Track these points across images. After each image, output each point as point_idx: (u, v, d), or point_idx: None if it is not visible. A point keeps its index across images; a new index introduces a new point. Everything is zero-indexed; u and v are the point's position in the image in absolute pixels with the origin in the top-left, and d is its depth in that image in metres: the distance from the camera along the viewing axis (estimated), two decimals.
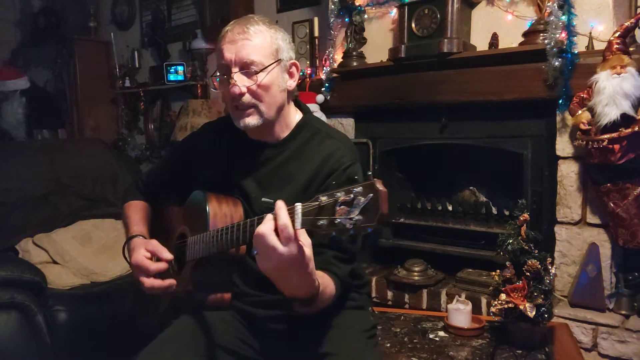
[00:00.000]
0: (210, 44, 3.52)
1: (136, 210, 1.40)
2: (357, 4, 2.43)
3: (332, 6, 2.51)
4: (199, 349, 1.18)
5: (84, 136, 3.99)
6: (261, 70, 1.14)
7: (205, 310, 1.24)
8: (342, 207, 0.80)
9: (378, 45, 2.45)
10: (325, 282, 1.05)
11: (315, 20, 2.88)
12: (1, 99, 3.56)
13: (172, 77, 3.61)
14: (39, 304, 1.94)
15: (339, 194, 0.81)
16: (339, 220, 0.80)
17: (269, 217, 0.89)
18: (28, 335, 1.88)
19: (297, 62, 1.24)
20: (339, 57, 2.54)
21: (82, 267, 2.24)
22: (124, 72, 4.02)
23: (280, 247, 0.86)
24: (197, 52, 3.59)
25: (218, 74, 1.19)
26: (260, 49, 1.15)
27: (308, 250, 0.89)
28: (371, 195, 0.78)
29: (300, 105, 1.32)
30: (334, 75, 2.51)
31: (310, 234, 0.89)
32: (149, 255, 1.20)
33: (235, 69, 1.14)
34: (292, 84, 1.23)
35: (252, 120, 1.17)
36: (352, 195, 0.79)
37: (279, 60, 1.18)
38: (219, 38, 1.19)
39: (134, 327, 1.33)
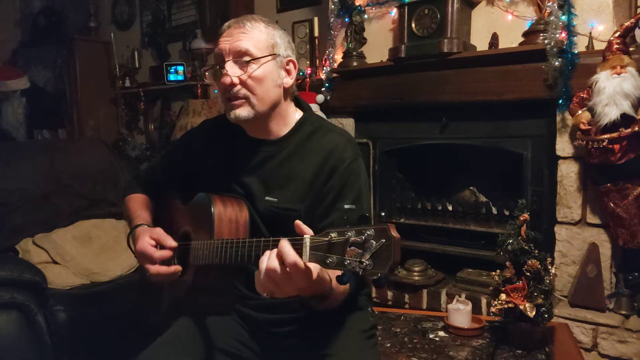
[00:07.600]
0: (210, 44, 3.52)
1: (138, 202, 1.39)
2: (357, 4, 2.43)
3: (332, 6, 2.51)
4: (198, 352, 1.18)
5: (84, 136, 3.98)
6: (253, 60, 1.13)
7: (207, 313, 1.23)
8: (352, 248, 0.79)
9: (378, 45, 2.45)
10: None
11: (315, 20, 2.89)
12: (1, 99, 3.56)
13: (172, 77, 3.61)
14: (39, 304, 1.94)
15: (349, 233, 0.80)
16: (348, 261, 0.79)
17: (275, 251, 0.88)
18: (28, 335, 1.88)
19: (294, 60, 1.22)
20: (339, 57, 2.54)
21: (83, 267, 2.24)
22: (124, 72, 4.02)
23: (290, 280, 0.86)
24: (197, 52, 3.59)
25: (213, 65, 1.18)
26: (256, 41, 1.14)
27: (316, 271, 0.89)
28: (384, 241, 0.76)
29: (300, 104, 1.30)
30: (334, 75, 2.51)
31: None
32: (153, 242, 1.19)
33: (228, 58, 1.14)
34: (288, 81, 1.20)
35: (242, 111, 1.15)
36: (363, 237, 0.78)
37: (274, 55, 1.16)
38: (218, 35, 1.18)
39: (134, 327, 1.33)
